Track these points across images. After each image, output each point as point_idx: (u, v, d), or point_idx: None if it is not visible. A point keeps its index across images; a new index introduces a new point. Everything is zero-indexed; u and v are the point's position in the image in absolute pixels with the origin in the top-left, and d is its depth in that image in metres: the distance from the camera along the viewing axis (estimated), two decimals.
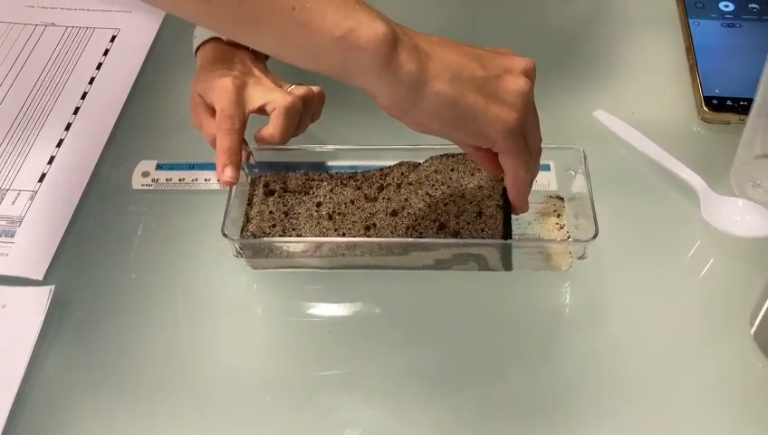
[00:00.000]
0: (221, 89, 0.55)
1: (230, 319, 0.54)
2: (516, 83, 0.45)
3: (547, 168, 0.60)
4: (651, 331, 0.53)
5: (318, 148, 0.57)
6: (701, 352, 0.52)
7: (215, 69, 0.57)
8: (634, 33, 0.73)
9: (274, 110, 0.55)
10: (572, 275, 0.55)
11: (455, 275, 0.55)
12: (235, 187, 0.53)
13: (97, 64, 0.71)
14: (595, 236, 0.50)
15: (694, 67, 0.67)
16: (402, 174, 0.56)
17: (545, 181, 0.59)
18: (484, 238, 0.51)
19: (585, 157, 0.55)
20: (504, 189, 0.50)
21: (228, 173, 0.53)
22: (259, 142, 0.56)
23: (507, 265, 0.53)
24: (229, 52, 0.58)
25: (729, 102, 0.64)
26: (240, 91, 0.56)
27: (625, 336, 0.53)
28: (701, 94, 0.65)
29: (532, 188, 0.58)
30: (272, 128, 0.55)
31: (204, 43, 0.60)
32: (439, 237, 0.51)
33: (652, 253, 0.57)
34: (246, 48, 0.59)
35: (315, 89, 0.58)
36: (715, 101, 0.64)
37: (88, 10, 0.76)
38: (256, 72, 0.58)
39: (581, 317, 0.54)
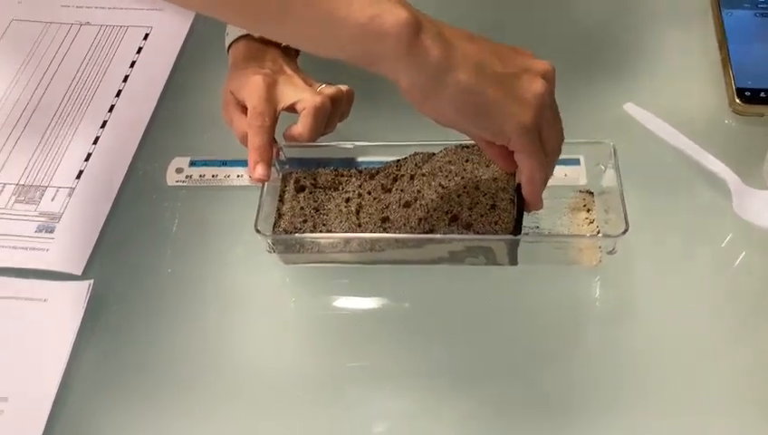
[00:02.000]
0: (253, 86, 0.56)
1: (262, 313, 0.55)
2: (534, 84, 0.45)
3: (577, 162, 0.60)
4: (681, 325, 0.53)
5: (347, 144, 0.58)
6: (732, 346, 0.52)
7: (246, 66, 0.58)
8: (665, 24, 0.72)
9: (304, 109, 0.56)
10: (602, 270, 0.55)
11: (483, 271, 0.55)
12: (266, 183, 0.54)
13: (131, 62, 0.72)
14: (625, 232, 0.50)
15: (726, 58, 0.66)
16: (416, 165, 0.56)
17: (575, 176, 0.59)
18: (497, 232, 0.51)
19: (615, 151, 0.55)
20: (518, 185, 0.50)
21: (260, 171, 0.54)
22: (288, 140, 0.56)
23: (513, 260, 0.53)
24: (261, 49, 0.59)
25: (762, 94, 0.63)
26: (271, 89, 0.56)
27: (655, 331, 0.53)
28: (733, 86, 0.64)
29: (563, 183, 0.58)
30: (300, 127, 0.56)
31: (236, 40, 0.61)
32: (451, 230, 0.51)
33: (683, 247, 0.56)
34: (278, 45, 0.60)
35: (344, 88, 0.59)
36: (747, 93, 0.63)
37: (121, 9, 0.77)
38: (287, 70, 0.59)
39: (611, 312, 0.54)
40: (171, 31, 0.75)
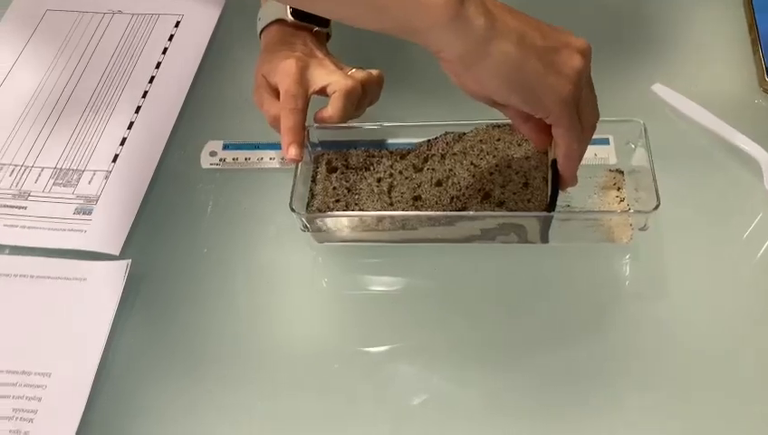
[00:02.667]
0: (285, 70, 0.57)
1: (296, 291, 0.56)
2: (573, 59, 0.45)
3: (606, 141, 0.60)
4: (712, 303, 0.53)
5: (377, 125, 0.58)
6: (763, 323, 0.52)
7: (278, 50, 0.59)
8: (694, 4, 0.72)
9: (335, 92, 0.56)
10: (634, 248, 0.55)
11: (512, 249, 0.56)
12: (300, 164, 0.55)
13: (163, 49, 0.73)
14: (657, 207, 0.50)
15: (756, 39, 0.66)
16: (447, 144, 0.56)
17: (605, 155, 0.60)
18: (530, 209, 0.51)
19: (645, 129, 0.55)
20: (553, 162, 0.51)
21: (293, 151, 0.54)
22: (318, 122, 0.57)
23: (545, 238, 0.54)
24: (293, 34, 0.60)
25: None
26: (303, 72, 0.57)
27: (686, 307, 0.53)
28: (764, 66, 0.64)
29: (593, 163, 0.59)
30: (331, 109, 0.56)
31: (268, 25, 0.62)
32: (483, 208, 0.52)
33: (714, 225, 0.57)
34: (309, 30, 0.61)
35: (375, 73, 0.59)
36: None
37: None
38: (319, 54, 0.60)
39: (642, 289, 0.55)
40: (202, 18, 0.76)
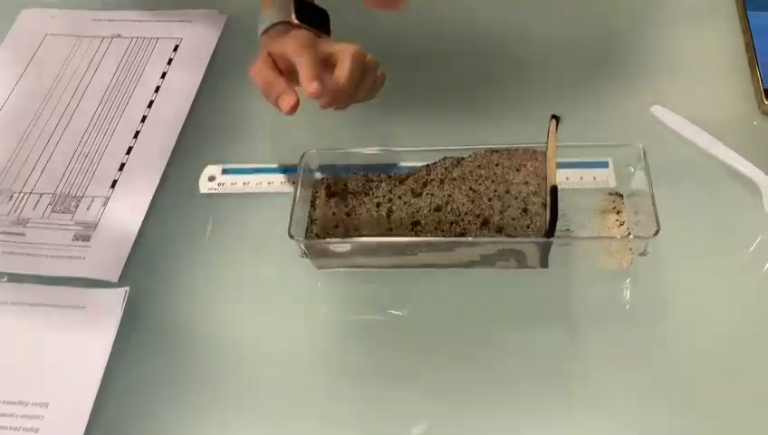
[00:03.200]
0: (294, 36, 0.59)
1: (296, 318, 0.56)
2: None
3: (605, 165, 0.60)
4: (713, 327, 0.53)
5: (376, 150, 0.58)
6: (764, 349, 0.52)
7: (285, 34, 0.60)
8: (690, 26, 0.72)
9: (342, 53, 0.57)
10: (634, 272, 0.55)
11: (512, 274, 0.55)
12: (298, 190, 0.55)
13: (161, 73, 0.73)
14: (657, 233, 0.50)
15: (753, 59, 0.66)
16: (446, 169, 0.57)
17: (604, 178, 0.60)
18: (529, 235, 0.51)
19: (644, 153, 0.55)
20: (553, 188, 0.51)
21: (314, 85, 0.54)
22: (325, 97, 0.56)
23: (544, 263, 0.54)
24: (295, 31, 0.60)
25: None
26: (312, 40, 0.59)
27: (687, 332, 0.53)
28: (762, 87, 0.64)
29: (592, 186, 0.59)
30: (339, 71, 0.56)
31: (270, 27, 0.62)
32: (482, 234, 0.52)
33: (714, 249, 0.56)
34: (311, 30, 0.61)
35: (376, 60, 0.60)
36: None
37: (151, 21, 0.78)
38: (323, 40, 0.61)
39: (643, 313, 0.54)
40: (200, 42, 0.76)
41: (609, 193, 0.58)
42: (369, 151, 0.58)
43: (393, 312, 0.56)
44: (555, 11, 0.75)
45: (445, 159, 0.57)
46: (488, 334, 0.53)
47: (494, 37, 0.73)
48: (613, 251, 0.55)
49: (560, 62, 0.70)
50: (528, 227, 0.51)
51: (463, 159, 0.57)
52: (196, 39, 0.76)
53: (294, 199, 0.55)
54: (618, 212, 0.57)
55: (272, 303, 0.57)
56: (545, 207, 0.52)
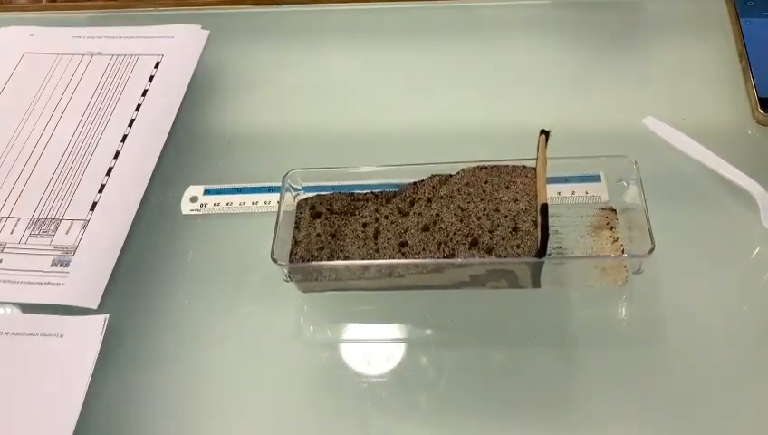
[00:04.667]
0: None
1: (281, 342, 0.54)
2: None
3: (597, 179, 0.59)
4: (712, 343, 0.51)
5: (362, 168, 0.57)
6: (765, 364, 0.50)
7: None
8: (681, 35, 0.71)
9: None
10: (629, 290, 0.53)
11: (504, 294, 0.54)
12: (281, 211, 0.54)
13: (143, 91, 0.71)
14: (651, 251, 0.49)
15: (747, 68, 0.65)
16: (434, 187, 0.55)
17: (596, 192, 0.58)
18: (519, 255, 0.50)
19: (637, 166, 0.53)
20: (543, 206, 0.49)
21: None
22: None
23: (536, 283, 0.52)
24: None
25: None
26: None
27: (685, 350, 0.51)
28: (756, 96, 0.62)
29: (584, 200, 0.57)
30: None
31: None
32: (471, 254, 0.50)
33: (711, 263, 0.55)
34: None
35: None
36: None
37: (131, 38, 0.77)
38: None
39: (640, 332, 0.53)
40: (182, 58, 0.74)
41: (602, 208, 0.57)
42: (354, 170, 0.57)
43: (383, 335, 0.54)
44: (542, 20, 0.74)
45: (432, 176, 0.55)
46: (479, 357, 0.52)
47: None
48: (607, 269, 0.53)
49: (547, 74, 0.69)
50: (518, 246, 0.50)
51: (450, 176, 0.55)
52: (178, 55, 0.75)
53: (277, 221, 0.53)
54: (611, 228, 0.56)
55: (257, 327, 0.55)
56: (536, 225, 0.50)
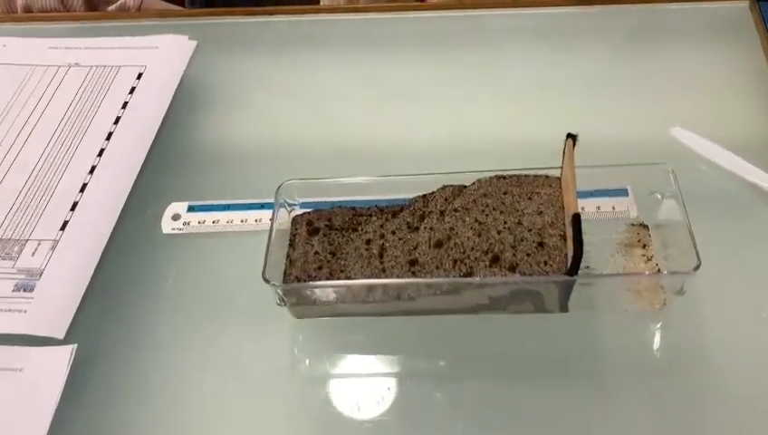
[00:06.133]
0: None
1: (272, 376, 0.47)
2: None
3: (624, 193, 0.53)
4: (761, 376, 0.45)
5: (364, 179, 0.51)
6: None
7: None
8: (707, 43, 0.66)
9: None
10: (666, 314, 0.47)
11: (527, 319, 0.48)
12: (274, 227, 0.47)
13: (123, 103, 0.66)
14: (698, 267, 0.43)
15: None
16: (446, 199, 0.49)
17: (623, 208, 0.52)
18: (547, 273, 0.44)
19: (675, 176, 0.48)
20: (575, 216, 0.43)
21: None
22: None
23: (564, 307, 0.46)
24: None
25: None
26: None
27: (731, 382, 0.45)
28: None
29: (611, 217, 0.52)
30: None
31: None
32: (492, 273, 0.44)
33: (756, 283, 0.49)
34: None
35: None
36: None
37: (113, 48, 0.72)
38: None
39: (678, 362, 0.46)
40: (166, 69, 0.69)
41: (632, 224, 0.51)
42: (356, 181, 0.51)
43: (389, 368, 0.48)
44: (569, 29, 0.69)
45: (444, 187, 0.49)
46: (499, 390, 0.45)
47: None
48: (642, 290, 0.47)
49: (564, 83, 0.64)
50: (546, 263, 0.44)
51: (465, 187, 0.49)
52: (163, 66, 0.69)
53: (270, 237, 0.47)
54: (644, 246, 0.50)
55: (245, 360, 0.48)
56: (564, 239, 0.44)
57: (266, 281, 0.45)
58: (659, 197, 0.50)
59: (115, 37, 0.73)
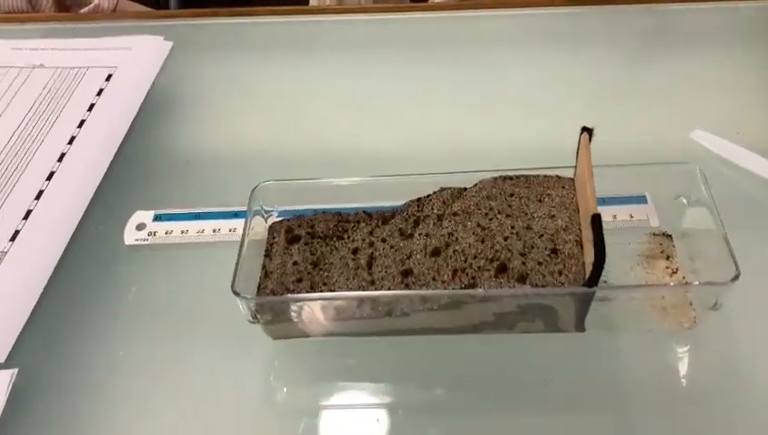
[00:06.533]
0: None
1: (244, 407, 0.41)
2: None
3: (643, 199, 0.47)
4: None
5: (350, 181, 0.45)
6: None
7: None
8: (728, 43, 0.61)
9: None
10: (697, 334, 0.41)
11: (538, 340, 0.41)
12: (247, 234, 0.41)
13: (89, 105, 0.60)
14: (736, 278, 0.37)
15: None
16: (444, 202, 0.43)
17: (642, 216, 0.47)
18: (564, 284, 0.38)
19: (705, 177, 0.42)
20: (595, 218, 0.37)
21: None
22: None
23: (580, 325, 0.40)
24: None
25: None
26: None
27: None
28: None
29: (628, 225, 0.46)
30: None
31: None
32: (499, 284, 0.38)
33: None
34: None
35: None
36: None
37: (82, 50, 0.66)
38: None
39: (712, 389, 0.40)
40: (138, 71, 0.63)
41: (654, 234, 0.45)
42: (342, 182, 0.45)
43: (378, 396, 0.41)
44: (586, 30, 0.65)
45: (442, 189, 0.44)
46: (505, 424, 0.39)
47: None
48: (669, 307, 0.41)
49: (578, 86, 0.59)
50: (560, 273, 0.38)
51: (465, 189, 0.43)
52: (134, 68, 0.64)
53: (242, 245, 0.41)
54: (667, 257, 0.44)
55: (212, 387, 0.42)
56: (581, 246, 0.39)
57: (236, 294, 0.38)
58: (684, 201, 0.44)
59: (87, 39, 0.67)
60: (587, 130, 0.41)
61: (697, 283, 0.41)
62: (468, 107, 0.58)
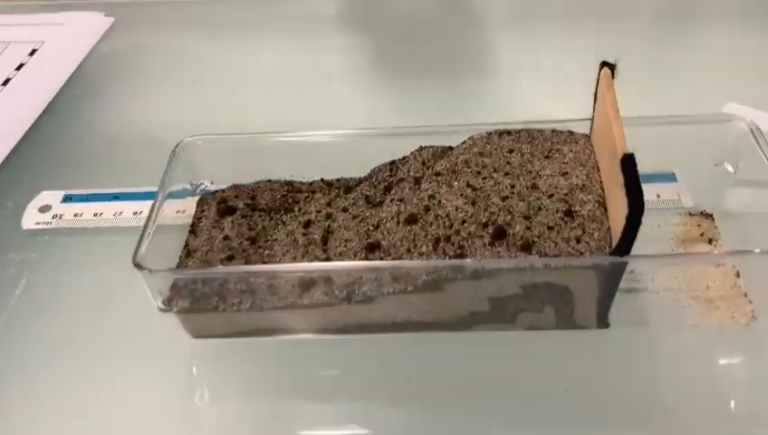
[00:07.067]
0: None
1: (155, 423, 0.30)
2: None
3: (672, 177, 0.38)
4: None
5: (305, 134, 0.35)
6: None
7: None
8: (759, 16, 0.54)
9: None
10: (755, 334, 0.31)
11: (546, 339, 0.31)
12: (159, 202, 0.31)
13: (3, 80, 0.51)
14: None
15: None
16: (423, 163, 0.34)
17: (672, 195, 0.38)
18: (582, 253, 0.28)
19: (760, 132, 0.33)
20: (626, 158, 0.27)
21: None
22: None
23: (603, 319, 0.30)
24: None
25: None
26: None
27: None
28: None
29: (657, 206, 0.37)
30: None
31: None
32: (497, 253, 0.28)
33: None
34: None
35: None
36: None
37: (6, 25, 0.58)
38: None
39: None
40: (68, 47, 0.55)
41: (690, 214, 0.36)
42: (291, 138, 0.35)
43: (331, 417, 0.30)
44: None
45: (421, 148, 0.34)
46: None
47: None
48: (717, 299, 0.32)
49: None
50: (578, 240, 0.28)
51: (452, 148, 0.34)
52: (64, 43, 0.56)
53: (151, 214, 0.31)
54: (709, 240, 0.34)
55: (116, 398, 0.31)
56: (604, 207, 0.29)
57: (138, 267, 0.28)
58: (730, 169, 0.35)
59: (14, 15, 0.59)
60: (608, 65, 0.31)
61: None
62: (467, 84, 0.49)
